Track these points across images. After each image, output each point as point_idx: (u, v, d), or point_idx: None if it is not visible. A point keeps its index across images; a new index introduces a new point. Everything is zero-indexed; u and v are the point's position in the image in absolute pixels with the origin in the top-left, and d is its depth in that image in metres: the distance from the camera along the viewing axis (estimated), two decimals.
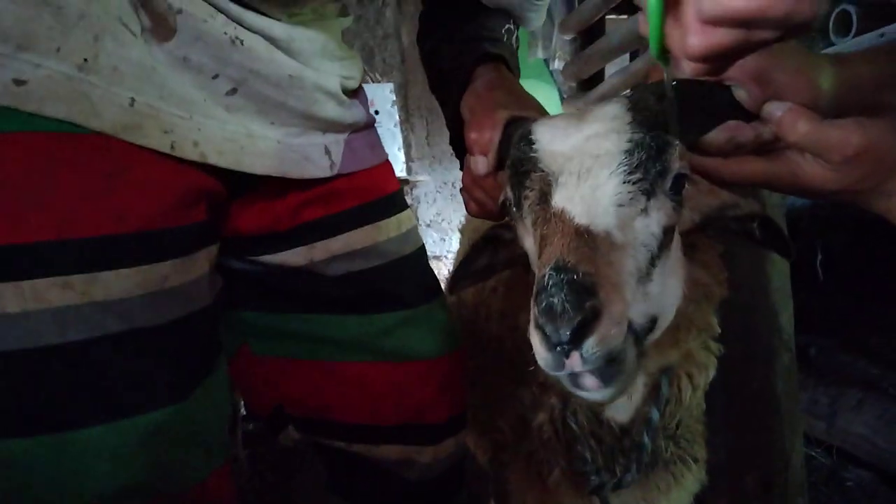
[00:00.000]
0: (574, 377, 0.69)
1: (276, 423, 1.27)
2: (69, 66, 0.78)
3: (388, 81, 4.31)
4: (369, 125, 1.27)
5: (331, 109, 1.10)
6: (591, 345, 0.63)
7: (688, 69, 0.61)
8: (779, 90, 0.73)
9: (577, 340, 0.62)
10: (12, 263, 0.73)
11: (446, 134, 1.30)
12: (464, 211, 1.24)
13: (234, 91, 0.95)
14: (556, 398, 1.08)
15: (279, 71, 0.99)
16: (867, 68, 0.73)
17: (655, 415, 1.01)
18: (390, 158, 1.35)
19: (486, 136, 0.97)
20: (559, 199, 0.75)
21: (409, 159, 4.42)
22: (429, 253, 1.42)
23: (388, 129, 4.14)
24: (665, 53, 0.64)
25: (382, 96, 4.13)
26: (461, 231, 2.24)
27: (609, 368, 0.67)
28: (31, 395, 0.74)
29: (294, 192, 1.10)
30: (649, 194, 0.75)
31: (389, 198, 1.26)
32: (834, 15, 2.28)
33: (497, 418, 1.29)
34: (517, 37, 1.32)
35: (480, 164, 0.99)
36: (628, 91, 0.88)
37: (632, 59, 3.62)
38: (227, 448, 1.00)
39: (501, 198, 0.91)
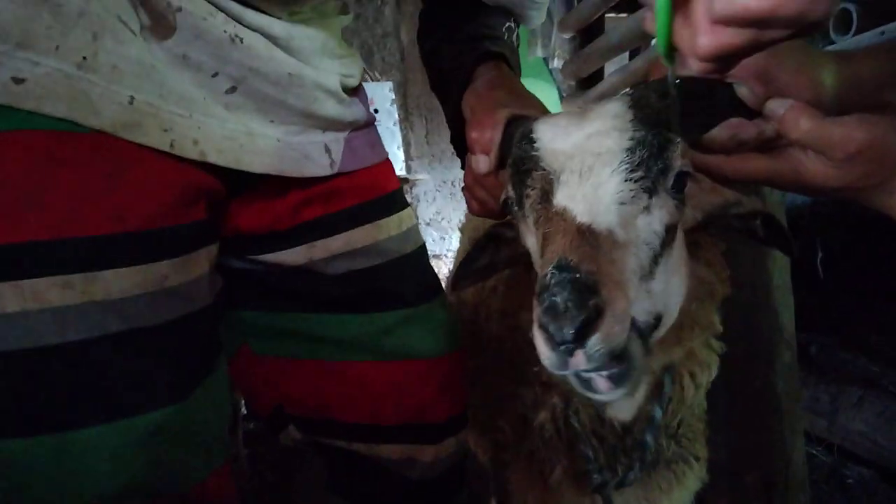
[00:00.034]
0: (585, 380, 0.69)
1: (276, 423, 1.27)
2: (68, 64, 0.77)
3: (388, 80, 4.31)
4: (369, 123, 1.27)
5: (331, 108, 1.09)
6: (594, 343, 0.62)
7: (695, 68, 0.61)
8: (781, 87, 0.72)
9: (580, 339, 0.62)
10: (11, 263, 0.73)
11: (445, 132, 1.30)
12: (463, 209, 1.24)
13: (233, 89, 0.95)
14: (559, 397, 1.08)
15: (279, 69, 0.99)
16: (869, 66, 0.73)
17: (658, 413, 1.01)
18: (389, 157, 1.35)
19: (487, 135, 0.97)
20: (561, 198, 0.75)
21: (408, 158, 4.43)
22: (428, 252, 1.42)
23: (388, 127, 4.15)
24: (672, 52, 0.63)
25: (381, 95, 4.13)
26: (461, 230, 2.24)
27: (618, 369, 0.67)
28: (31, 395, 0.74)
29: (294, 190, 1.09)
30: (651, 192, 0.75)
31: (390, 196, 1.26)
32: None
33: (497, 418, 1.29)
34: (518, 35, 1.32)
35: (482, 162, 0.99)
36: (629, 89, 0.88)
37: (631, 57, 3.62)
38: (227, 448, 1.00)
39: (503, 196, 0.90)
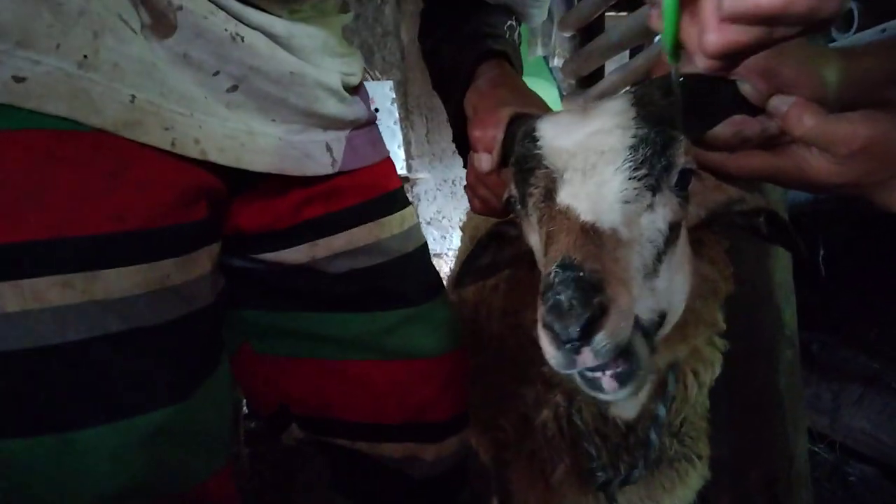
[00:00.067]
0: (591, 380, 0.69)
1: (278, 422, 1.26)
2: (69, 62, 0.77)
3: (388, 79, 4.31)
4: (371, 122, 1.26)
5: (332, 106, 1.09)
6: (600, 339, 0.62)
7: (702, 65, 0.60)
8: (784, 84, 0.72)
9: (586, 337, 0.62)
10: (12, 262, 0.72)
11: (446, 131, 1.30)
12: (464, 208, 1.24)
13: (234, 88, 0.94)
14: (562, 395, 1.07)
15: (280, 68, 0.98)
16: (871, 63, 0.73)
17: (662, 411, 1.01)
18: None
19: (489, 134, 0.97)
20: (564, 196, 0.75)
21: (409, 157, 4.43)
22: (430, 251, 1.42)
23: (388, 126, 4.15)
24: (677, 49, 0.63)
25: (382, 94, 4.13)
26: (462, 228, 2.23)
27: (623, 368, 0.66)
28: (31, 395, 0.74)
29: (295, 189, 1.09)
30: (655, 190, 0.75)
31: (391, 195, 1.25)
32: None
33: (499, 417, 1.28)
34: (519, 33, 1.32)
35: (484, 161, 0.98)
36: (631, 87, 0.88)
37: (631, 55, 3.62)
38: (228, 448, 0.99)
39: (506, 195, 0.90)
